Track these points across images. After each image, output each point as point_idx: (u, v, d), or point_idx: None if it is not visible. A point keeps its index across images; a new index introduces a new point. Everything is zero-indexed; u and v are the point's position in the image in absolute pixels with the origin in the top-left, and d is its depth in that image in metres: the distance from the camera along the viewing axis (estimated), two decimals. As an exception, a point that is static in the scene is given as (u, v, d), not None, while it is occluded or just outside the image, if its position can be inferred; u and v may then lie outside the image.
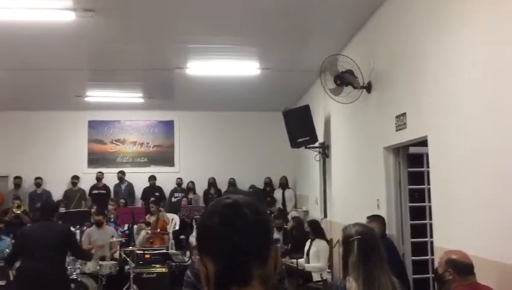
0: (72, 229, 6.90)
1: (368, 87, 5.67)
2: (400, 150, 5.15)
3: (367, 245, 2.37)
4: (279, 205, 10.64)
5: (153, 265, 7.17)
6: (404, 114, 4.68)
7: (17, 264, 5.28)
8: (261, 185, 11.42)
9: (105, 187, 11.28)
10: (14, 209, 9.23)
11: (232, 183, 11.38)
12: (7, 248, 7.35)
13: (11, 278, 5.98)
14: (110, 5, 5.28)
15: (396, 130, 4.84)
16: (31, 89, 9.26)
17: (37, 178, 10.97)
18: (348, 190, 6.77)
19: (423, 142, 4.39)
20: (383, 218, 4.92)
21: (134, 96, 10.16)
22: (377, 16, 5.51)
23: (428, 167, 4.43)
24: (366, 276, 2.31)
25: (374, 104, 5.59)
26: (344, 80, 5.73)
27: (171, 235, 8.87)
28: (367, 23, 5.83)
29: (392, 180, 5.21)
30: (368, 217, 4.80)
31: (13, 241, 7.34)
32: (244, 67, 7.86)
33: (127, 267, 6.90)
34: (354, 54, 6.02)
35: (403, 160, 5.16)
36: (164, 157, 11.96)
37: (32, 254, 4.86)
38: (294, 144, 7.80)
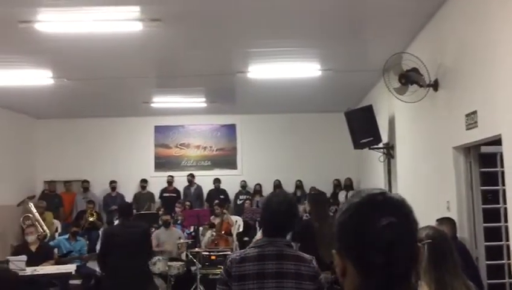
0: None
1: (435, 85, 5.48)
2: (470, 150, 4.93)
3: (438, 249, 2.30)
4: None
5: (219, 266, 7.30)
6: (475, 112, 4.47)
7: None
8: (329, 187, 11.19)
9: (176, 190, 11.58)
10: (89, 218, 9.78)
11: (298, 185, 11.36)
12: (82, 249, 7.79)
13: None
14: (175, 14, 5.44)
15: (467, 129, 4.63)
16: (102, 96, 9.71)
17: (112, 182, 11.45)
18: (414, 192, 6.55)
19: (496, 141, 4.18)
20: (453, 220, 4.74)
21: (198, 101, 10.42)
22: (444, 9, 5.31)
23: (502, 166, 4.21)
24: (438, 281, 2.25)
25: (442, 103, 5.39)
26: (409, 78, 5.57)
27: (235, 237, 9.00)
28: (433, 18, 5.63)
29: (462, 181, 5.00)
30: (438, 220, 4.65)
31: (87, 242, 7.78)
32: (305, 69, 7.83)
33: (193, 268, 7.09)
34: (419, 51, 5.84)
35: (474, 160, 4.94)
36: (227, 160, 12.16)
37: (119, 252, 5.12)
38: (358, 144, 7.67)
